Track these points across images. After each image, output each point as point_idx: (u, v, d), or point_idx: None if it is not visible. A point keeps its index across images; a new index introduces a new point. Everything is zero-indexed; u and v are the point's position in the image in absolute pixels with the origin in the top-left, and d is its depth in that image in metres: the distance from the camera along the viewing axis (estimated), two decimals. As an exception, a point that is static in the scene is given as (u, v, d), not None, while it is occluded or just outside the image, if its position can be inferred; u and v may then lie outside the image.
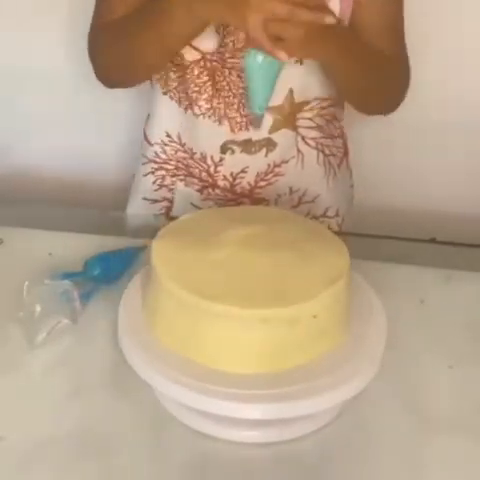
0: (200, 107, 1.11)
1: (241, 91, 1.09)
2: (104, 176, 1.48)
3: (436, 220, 1.39)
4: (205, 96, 1.11)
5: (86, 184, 1.47)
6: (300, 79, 1.08)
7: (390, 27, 1.08)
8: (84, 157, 1.47)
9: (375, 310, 0.82)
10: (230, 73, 1.08)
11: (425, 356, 0.86)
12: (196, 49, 1.07)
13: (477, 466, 0.75)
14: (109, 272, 0.96)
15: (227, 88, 1.09)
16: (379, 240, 1.09)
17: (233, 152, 1.13)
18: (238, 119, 1.11)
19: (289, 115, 1.11)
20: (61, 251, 1.01)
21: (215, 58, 1.08)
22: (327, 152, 1.18)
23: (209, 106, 1.11)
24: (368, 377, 0.76)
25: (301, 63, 1.06)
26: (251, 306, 0.73)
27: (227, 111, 1.10)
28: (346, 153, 1.23)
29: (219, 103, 1.10)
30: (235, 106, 1.10)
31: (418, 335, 0.89)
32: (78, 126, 1.43)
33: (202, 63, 1.09)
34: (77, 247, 1.00)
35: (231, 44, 1.06)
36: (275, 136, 1.12)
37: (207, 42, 1.06)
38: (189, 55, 1.08)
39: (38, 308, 0.86)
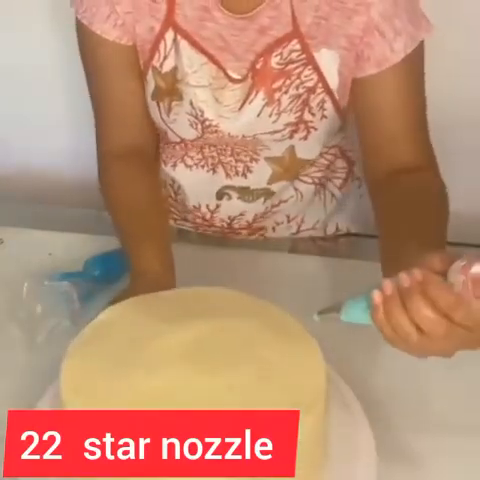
0: (192, 158, 1.06)
1: (233, 143, 1.02)
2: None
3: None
4: (195, 149, 1.05)
5: (86, 184, 1.47)
6: (304, 146, 1.02)
7: (414, 128, 0.94)
8: (84, 157, 1.46)
9: (361, 449, 0.66)
10: (220, 137, 1.00)
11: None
12: (176, 134, 1.02)
13: (478, 465, 0.75)
14: (109, 272, 0.96)
15: (218, 142, 1.02)
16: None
17: (230, 198, 1.07)
18: (233, 163, 1.04)
19: (290, 169, 1.05)
20: (61, 251, 1.02)
21: (196, 142, 1.02)
22: (324, 182, 1.12)
23: (201, 156, 1.05)
24: None
25: (305, 139, 0.99)
26: None
27: (221, 157, 1.04)
28: (351, 169, 1.15)
29: (211, 151, 1.04)
30: (229, 152, 1.03)
31: (418, 335, 0.89)
32: (78, 126, 1.43)
33: (183, 145, 1.04)
34: (77, 247, 1.00)
35: (214, 136, 0.99)
36: (273, 186, 1.06)
37: (185, 133, 1.01)
38: (170, 136, 1.03)
39: (38, 308, 0.86)
